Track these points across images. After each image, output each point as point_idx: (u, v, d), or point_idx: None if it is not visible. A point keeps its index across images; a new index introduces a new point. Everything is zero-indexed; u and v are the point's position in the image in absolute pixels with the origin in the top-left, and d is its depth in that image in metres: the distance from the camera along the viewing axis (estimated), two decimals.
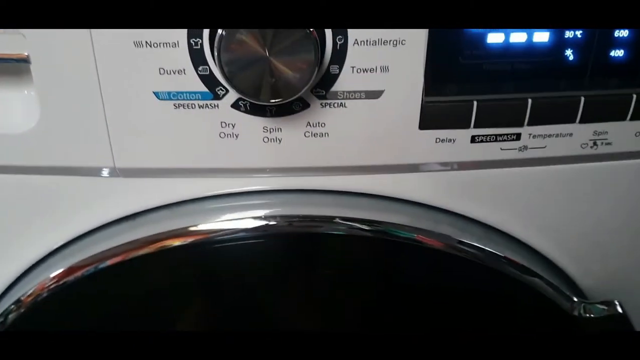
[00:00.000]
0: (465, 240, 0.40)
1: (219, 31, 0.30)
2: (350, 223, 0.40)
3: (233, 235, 0.40)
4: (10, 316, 0.42)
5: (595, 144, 0.37)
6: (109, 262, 0.40)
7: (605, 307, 0.43)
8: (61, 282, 0.41)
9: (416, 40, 0.32)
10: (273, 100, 0.31)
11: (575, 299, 0.43)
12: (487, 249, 0.41)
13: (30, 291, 0.41)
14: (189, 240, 0.40)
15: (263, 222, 0.39)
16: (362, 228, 0.40)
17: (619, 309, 0.43)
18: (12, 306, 0.42)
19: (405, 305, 0.45)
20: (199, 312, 0.47)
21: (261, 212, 0.39)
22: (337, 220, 0.40)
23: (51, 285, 0.41)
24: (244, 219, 0.40)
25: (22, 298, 0.41)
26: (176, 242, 0.40)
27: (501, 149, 0.36)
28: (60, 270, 0.40)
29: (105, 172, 0.36)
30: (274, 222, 0.40)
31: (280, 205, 0.40)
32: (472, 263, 0.41)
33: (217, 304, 0.46)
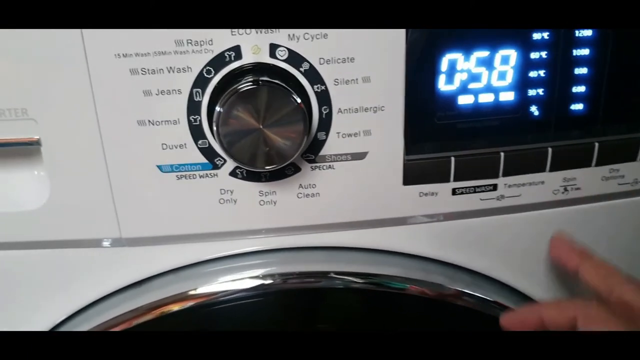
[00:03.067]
0: (457, 288, 0.43)
1: (217, 108, 0.33)
2: (344, 277, 0.42)
3: (231, 296, 0.42)
4: None
5: (565, 189, 0.40)
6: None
7: None
8: None
9: (394, 105, 0.35)
10: (268, 167, 0.34)
11: None
12: (476, 294, 0.43)
13: None
14: (188, 304, 0.42)
15: (260, 282, 0.41)
16: (357, 281, 0.42)
17: None
18: None
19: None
20: None
21: (258, 272, 0.41)
22: (332, 275, 0.42)
23: None
24: (241, 280, 0.42)
25: None
26: (175, 308, 0.42)
27: (480, 199, 0.39)
28: None
29: (111, 243, 0.38)
30: (271, 281, 0.42)
31: (277, 264, 0.42)
32: (464, 309, 0.43)
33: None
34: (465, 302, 0.43)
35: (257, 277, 0.41)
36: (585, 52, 0.36)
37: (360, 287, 0.42)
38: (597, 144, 0.39)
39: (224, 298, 0.42)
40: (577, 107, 0.38)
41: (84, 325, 0.42)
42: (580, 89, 0.37)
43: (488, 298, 0.42)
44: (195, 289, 0.42)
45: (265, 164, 0.34)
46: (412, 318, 0.45)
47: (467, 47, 0.35)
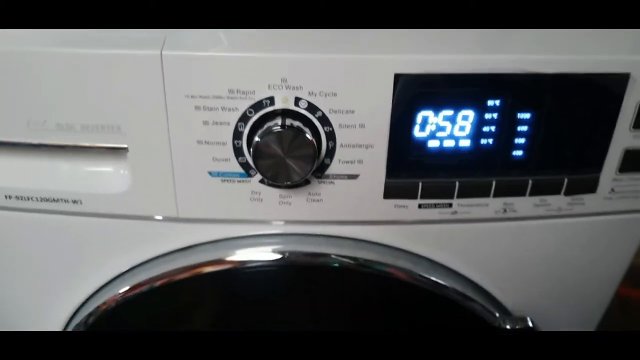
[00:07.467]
0: (424, 275, 0.57)
1: (255, 138, 0.46)
2: (342, 259, 0.56)
3: (251, 265, 0.56)
4: (91, 318, 0.59)
5: (505, 210, 0.53)
6: (159, 283, 0.57)
7: (519, 321, 0.60)
8: (126, 296, 0.57)
9: (381, 144, 0.48)
10: (285, 183, 0.48)
11: (497, 314, 0.59)
12: (439, 281, 0.58)
13: (105, 301, 0.58)
14: (219, 268, 0.56)
15: (277, 256, 0.56)
16: (351, 263, 0.56)
17: (529, 324, 0.60)
18: (93, 311, 0.58)
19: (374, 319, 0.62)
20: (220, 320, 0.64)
21: (275, 248, 0.56)
22: (333, 256, 0.56)
23: (119, 297, 0.57)
24: (260, 253, 0.56)
25: (100, 305, 0.58)
26: (209, 269, 0.56)
27: (439, 212, 0.52)
28: (127, 288, 0.57)
29: (170, 219, 0.53)
30: (283, 256, 0.56)
31: (288, 244, 0.56)
32: (426, 290, 0.58)
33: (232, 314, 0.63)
34: (423, 284, 0.57)
35: (272, 252, 0.56)
36: (526, 115, 0.49)
37: (355, 269, 0.56)
38: (530, 181, 0.51)
39: (244, 266, 0.56)
40: (517, 153, 0.50)
41: (139, 276, 0.57)
42: (520, 140, 0.50)
43: (441, 282, 0.57)
44: (225, 257, 0.56)
45: (283, 181, 0.48)
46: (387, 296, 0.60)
47: (437, 107, 0.48)
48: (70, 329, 0.60)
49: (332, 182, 0.51)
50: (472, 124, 0.49)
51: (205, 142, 0.48)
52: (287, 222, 0.54)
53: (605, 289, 0.65)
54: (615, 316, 1.22)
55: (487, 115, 0.49)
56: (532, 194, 0.52)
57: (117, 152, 0.50)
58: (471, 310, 0.58)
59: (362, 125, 0.48)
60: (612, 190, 0.53)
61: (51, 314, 0.61)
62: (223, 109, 0.47)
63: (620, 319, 1.23)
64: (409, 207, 0.52)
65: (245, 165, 0.49)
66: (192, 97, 0.46)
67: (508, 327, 0.59)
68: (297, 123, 0.46)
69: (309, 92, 0.46)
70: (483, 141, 0.50)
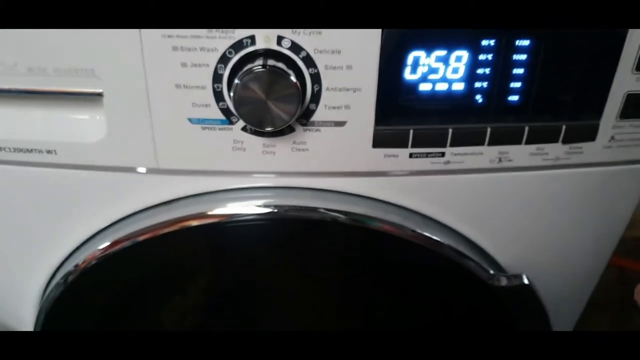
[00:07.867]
0: (417, 230, 0.55)
1: (235, 80, 0.44)
2: (332, 213, 0.53)
3: (238, 219, 0.54)
4: (70, 277, 0.56)
5: (500, 160, 0.51)
6: (142, 237, 0.54)
7: (514, 278, 0.58)
8: (106, 253, 0.55)
9: (369, 88, 0.46)
10: (267, 129, 0.46)
11: (492, 272, 0.57)
12: (434, 237, 0.55)
13: (84, 258, 0.56)
14: (204, 221, 0.54)
15: (266, 210, 0.53)
16: (341, 217, 0.54)
17: (525, 281, 0.58)
18: (72, 269, 0.56)
19: (365, 278, 0.60)
20: (206, 278, 0.62)
21: (260, 202, 0.54)
22: (321, 210, 0.54)
23: (98, 254, 0.55)
24: (247, 207, 0.54)
25: (79, 264, 0.56)
26: (194, 223, 0.54)
27: (431, 162, 0.50)
28: (107, 244, 0.55)
29: (150, 171, 0.51)
30: (270, 210, 0.53)
31: (273, 197, 0.54)
32: (419, 247, 0.56)
33: (220, 271, 0.61)
34: (415, 239, 0.55)
35: (260, 205, 0.54)
36: (522, 56, 0.46)
37: (345, 223, 0.54)
38: (527, 128, 0.49)
39: (232, 220, 0.54)
40: (513, 98, 0.48)
41: (124, 230, 0.55)
42: (516, 84, 0.47)
43: (435, 238, 0.55)
44: (211, 210, 0.54)
45: (266, 127, 0.46)
46: (380, 251, 0.58)
47: (429, 47, 0.46)
48: (50, 288, 0.58)
49: (318, 129, 0.48)
50: (465, 65, 0.46)
51: (184, 85, 0.46)
52: (273, 173, 0.52)
53: (603, 247, 0.62)
54: (614, 287, 1.21)
55: (482, 57, 0.46)
56: (529, 141, 0.50)
57: (92, 98, 0.47)
58: (465, 267, 0.56)
59: (349, 67, 0.45)
60: (612, 138, 0.51)
61: (31, 274, 0.59)
62: (202, 49, 0.44)
63: (618, 289, 1.22)
64: (400, 157, 0.50)
65: (226, 112, 0.47)
66: (169, 36, 0.44)
67: (503, 284, 0.57)
68: (280, 64, 0.44)
69: (293, 31, 0.43)
70: (477, 84, 0.47)
